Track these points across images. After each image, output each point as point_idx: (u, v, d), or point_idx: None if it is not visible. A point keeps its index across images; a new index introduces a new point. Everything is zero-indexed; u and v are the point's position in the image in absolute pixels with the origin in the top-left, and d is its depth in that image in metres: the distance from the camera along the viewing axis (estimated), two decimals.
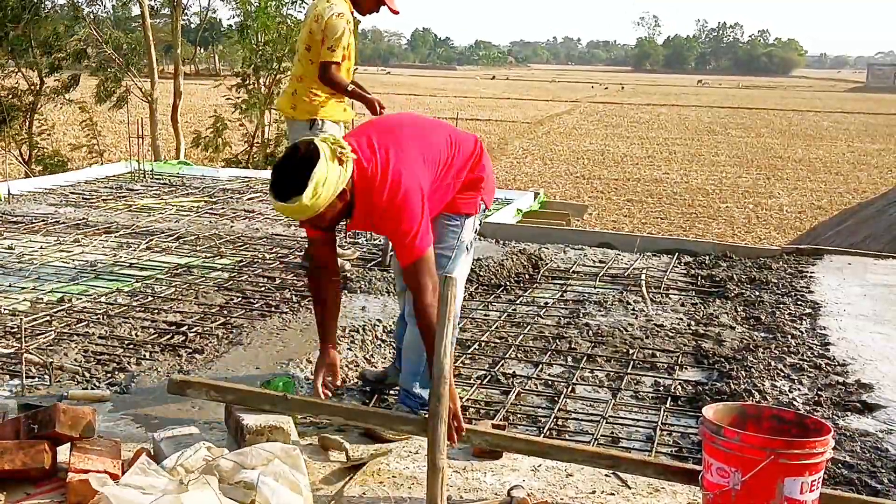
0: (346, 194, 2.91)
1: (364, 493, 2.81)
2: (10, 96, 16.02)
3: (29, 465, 2.66)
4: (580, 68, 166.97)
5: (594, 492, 2.89)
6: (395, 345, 3.85)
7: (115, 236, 6.49)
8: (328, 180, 2.80)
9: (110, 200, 7.92)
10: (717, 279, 5.74)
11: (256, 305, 4.87)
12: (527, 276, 5.80)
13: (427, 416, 2.71)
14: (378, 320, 4.60)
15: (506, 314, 4.97)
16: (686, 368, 4.21)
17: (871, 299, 5.41)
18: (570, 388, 3.90)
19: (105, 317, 4.57)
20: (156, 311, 4.72)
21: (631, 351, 4.40)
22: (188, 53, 48.31)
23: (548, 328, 4.73)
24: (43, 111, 16.92)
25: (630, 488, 2.92)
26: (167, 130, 19.22)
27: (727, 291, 5.44)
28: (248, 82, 16.45)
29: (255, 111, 16.13)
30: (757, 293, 5.43)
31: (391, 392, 3.79)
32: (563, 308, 5.15)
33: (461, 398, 3.71)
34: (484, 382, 3.95)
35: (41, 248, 6.06)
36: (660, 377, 4.07)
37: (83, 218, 7.06)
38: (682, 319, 4.94)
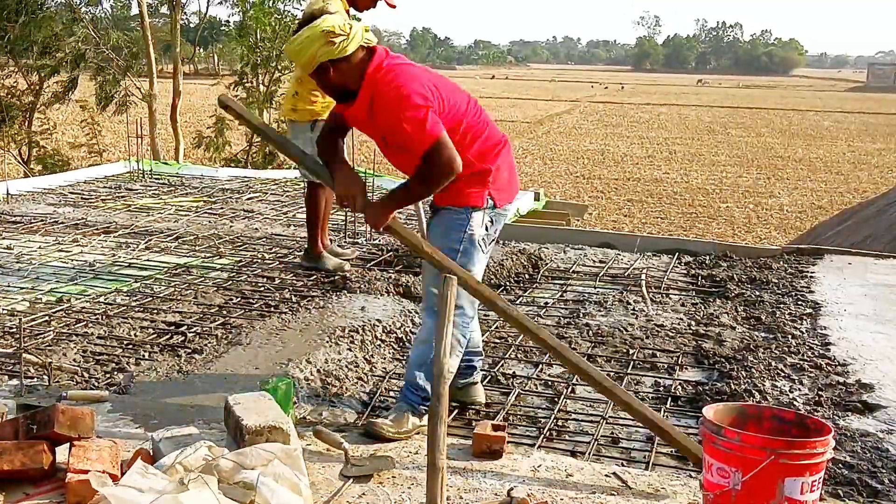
0: (342, 72, 3.20)
1: (364, 493, 2.81)
2: (9, 96, 16.00)
3: (28, 465, 2.66)
4: (580, 68, 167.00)
5: (594, 492, 2.89)
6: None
7: (114, 236, 6.48)
8: (305, 40, 3.19)
9: (109, 200, 7.91)
10: (718, 279, 5.73)
11: (256, 305, 4.86)
12: (527, 276, 5.80)
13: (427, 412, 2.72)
14: (378, 320, 4.59)
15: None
16: (686, 368, 4.20)
17: (871, 299, 5.40)
18: (570, 389, 3.89)
19: (104, 317, 4.56)
20: (155, 311, 4.72)
21: (631, 351, 4.39)
22: (187, 53, 48.31)
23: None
24: (43, 111, 16.91)
25: (630, 488, 2.92)
26: (166, 130, 19.21)
27: (727, 291, 5.44)
28: (245, 80, 16.43)
29: (254, 110, 16.12)
30: (757, 293, 5.42)
31: (391, 393, 3.79)
32: (563, 308, 5.15)
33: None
34: (484, 383, 3.94)
35: (40, 248, 6.06)
36: (660, 377, 4.06)
37: (82, 218, 7.05)
38: (682, 319, 4.93)
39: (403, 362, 4.10)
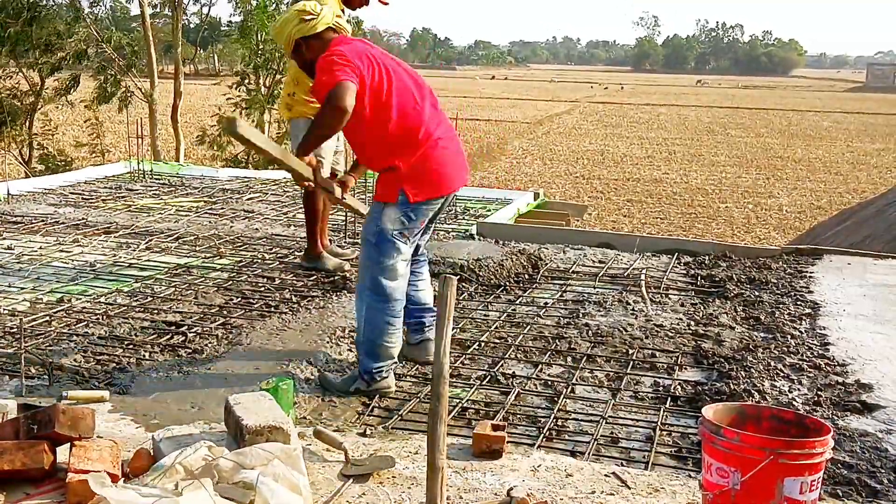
0: (313, 50, 3.70)
1: (363, 493, 2.81)
2: (11, 96, 16.01)
3: (28, 465, 2.66)
4: (580, 68, 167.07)
5: (594, 492, 2.89)
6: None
7: (115, 236, 6.49)
8: (283, 20, 3.81)
9: (110, 200, 7.92)
10: (717, 279, 5.74)
11: (256, 306, 4.87)
12: (526, 277, 5.80)
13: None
14: None
15: (505, 314, 4.96)
16: (686, 368, 4.20)
17: (870, 299, 5.40)
18: (569, 389, 3.90)
19: (104, 317, 4.57)
20: (155, 311, 4.72)
21: (630, 351, 4.40)
22: (188, 53, 48.32)
23: (547, 328, 4.73)
24: (45, 111, 16.92)
25: (630, 488, 2.92)
26: (167, 130, 19.22)
27: (727, 291, 5.44)
28: (247, 81, 16.45)
29: (256, 110, 16.13)
30: (756, 293, 5.43)
31: (391, 392, 3.80)
32: (562, 308, 5.15)
33: (461, 398, 3.72)
34: (483, 383, 3.95)
35: (40, 248, 6.06)
36: (659, 377, 4.07)
37: (83, 218, 7.06)
38: (681, 319, 4.94)
39: (403, 362, 4.11)
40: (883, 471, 3.12)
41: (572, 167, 25.10)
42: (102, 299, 4.92)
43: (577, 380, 4.00)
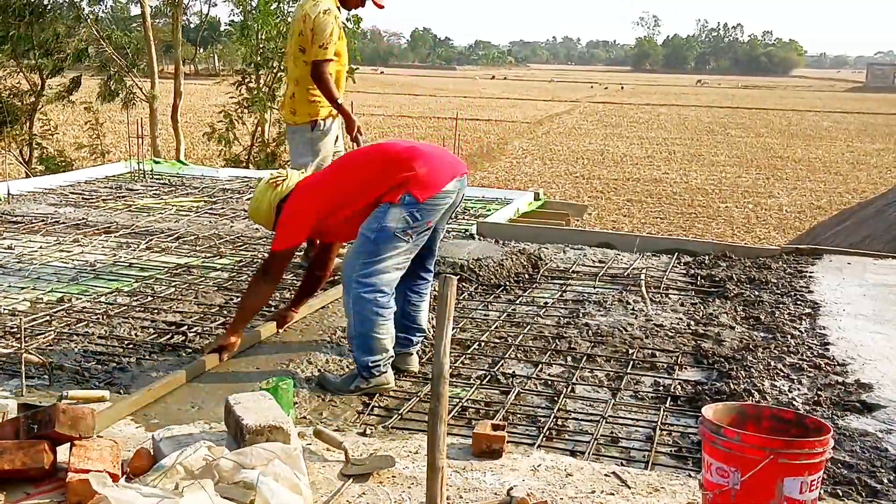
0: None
1: (363, 493, 2.82)
2: (11, 96, 16.01)
3: (29, 464, 2.66)
4: (580, 68, 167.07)
5: (594, 491, 2.89)
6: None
7: (115, 236, 6.49)
8: (259, 194, 4.02)
9: (110, 200, 7.92)
10: (717, 279, 5.74)
11: None
12: (526, 276, 5.80)
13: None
14: None
15: (505, 314, 4.97)
16: (686, 368, 4.20)
17: (870, 299, 5.41)
18: (569, 388, 3.90)
19: (105, 317, 4.57)
20: (155, 311, 4.72)
21: (631, 351, 4.40)
22: (188, 53, 48.34)
23: (547, 328, 4.73)
24: (45, 111, 16.91)
25: (630, 488, 2.92)
26: (167, 130, 19.22)
27: (727, 291, 5.44)
28: (248, 80, 16.44)
29: (257, 109, 16.13)
30: (756, 293, 5.43)
31: (391, 392, 3.80)
32: (562, 308, 5.15)
33: (461, 398, 3.72)
34: (484, 382, 3.95)
35: (41, 248, 6.06)
36: (659, 377, 4.07)
37: (83, 218, 7.06)
38: (681, 319, 4.94)
39: None
40: (883, 471, 3.12)
41: (572, 167, 25.10)
42: (102, 299, 4.92)
43: (577, 379, 4.00)
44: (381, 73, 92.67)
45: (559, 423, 3.55)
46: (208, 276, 5.49)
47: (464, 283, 5.47)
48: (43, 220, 6.93)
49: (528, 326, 4.74)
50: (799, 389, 3.88)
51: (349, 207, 3.84)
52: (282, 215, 3.91)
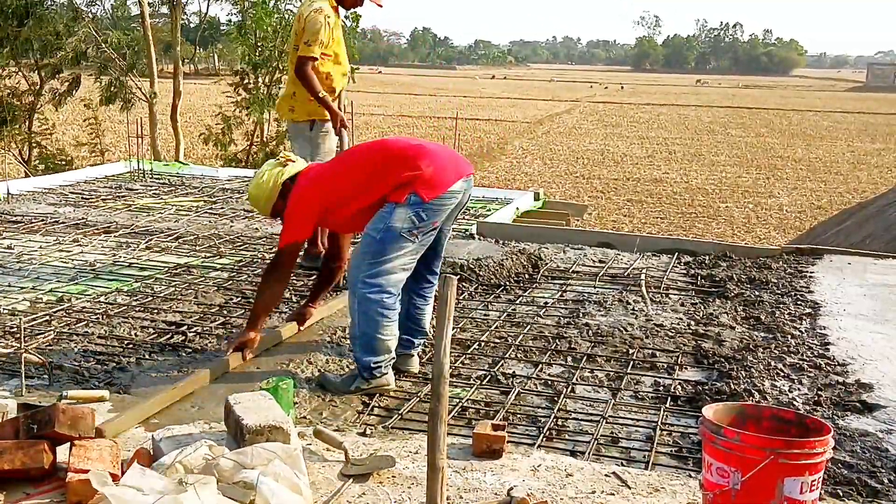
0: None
1: (363, 493, 2.81)
2: (10, 96, 16.01)
3: (28, 464, 2.66)
4: (580, 68, 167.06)
5: (594, 492, 2.89)
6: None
7: (115, 236, 6.49)
8: (259, 187, 4.02)
9: (109, 200, 7.92)
10: (717, 279, 5.74)
11: None
12: (526, 276, 5.80)
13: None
14: None
15: (505, 314, 4.96)
16: (686, 368, 4.20)
17: (870, 299, 5.41)
18: (569, 388, 3.90)
19: (104, 316, 4.57)
20: (155, 310, 4.72)
21: (631, 351, 4.39)
22: (187, 53, 48.36)
23: (547, 328, 4.73)
24: (44, 111, 16.91)
25: (630, 488, 2.92)
26: (167, 130, 19.21)
27: (727, 291, 5.44)
28: (247, 80, 16.43)
29: (256, 109, 16.12)
30: (757, 293, 5.42)
31: (391, 392, 3.79)
32: (562, 308, 5.15)
33: (461, 398, 3.72)
34: (484, 382, 3.94)
35: (40, 247, 6.06)
36: (660, 377, 4.06)
37: (82, 218, 7.06)
38: (681, 319, 4.94)
39: None
40: (883, 471, 3.12)
41: (572, 167, 25.09)
42: (102, 299, 4.92)
43: (577, 379, 4.00)
44: (379, 72, 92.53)
45: (559, 423, 3.55)
46: (208, 275, 5.49)
47: (464, 283, 5.47)
48: (42, 220, 6.93)
49: (528, 326, 4.74)
50: (799, 389, 3.87)
51: (354, 202, 3.81)
52: (286, 208, 3.89)
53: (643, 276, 5.73)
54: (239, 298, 5.01)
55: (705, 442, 2.56)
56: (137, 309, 4.75)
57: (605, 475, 3.01)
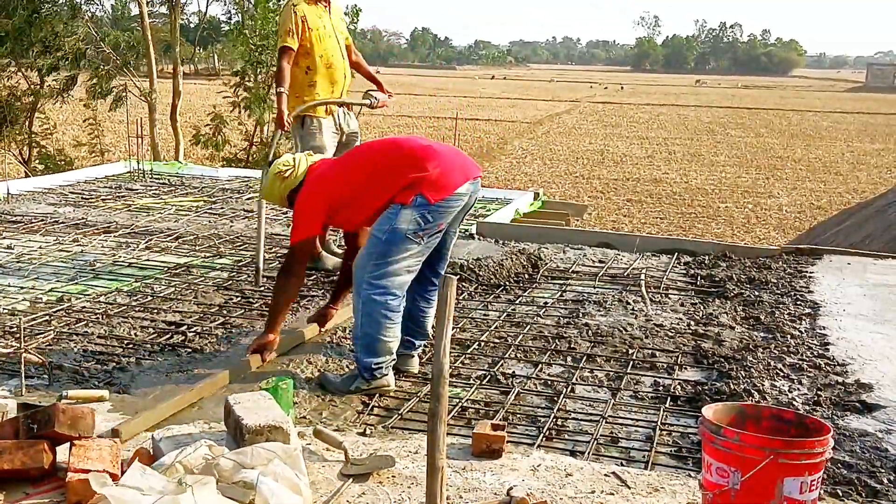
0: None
1: (363, 493, 2.82)
2: (10, 96, 16.02)
3: (28, 464, 2.66)
4: (580, 68, 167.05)
5: (593, 491, 2.89)
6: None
7: (115, 236, 6.49)
8: (269, 183, 4.10)
9: (109, 200, 7.92)
10: (717, 279, 5.74)
11: (256, 305, 4.87)
12: (526, 276, 5.80)
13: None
14: None
15: (505, 314, 4.96)
16: (686, 368, 4.20)
17: (870, 299, 5.41)
18: (569, 388, 3.90)
19: (104, 316, 4.57)
20: (155, 310, 4.72)
21: (630, 351, 4.40)
22: (187, 53, 48.34)
23: (547, 328, 4.73)
24: (44, 110, 16.92)
25: (630, 488, 2.92)
26: (166, 130, 19.21)
27: (727, 291, 5.44)
28: (246, 80, 16.43)
29: (256, 108, 16.12)
30: (756, 293, 5.43)
31: (391, 392, 3.79)
32: (562, 308, 5.15)
33: (461, 398, 3.72)
34: (483, 382, 3.94)
35: (40, 247, 6.06)
36: (659, 377, 4.06)
37: (82, 218, 7.06)
38: (681, 319, 4.94)
39: None
40: (883, 471, 3.12)
41: (572, 167, 25.09)
42: (102, 299, 4.92)
43: (577, 379, 4.00)
44: (378, 72, 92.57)
45: (559, 423, 3.55)
46: (208, 275, 5.49)
47: (464, 283, 5.47)
48: (42, 220, 6.93)
49: (528, 326, 4.74)
50: (799, 389, 3.88)
51: (361, 200, 3.81)
52: (295, 206, 3.93)
53: (643, 277, 5.74)
54: (239, 298, 5.01)
55: (705, 442, 2.56)
56: (137, 309, 4.75)
57: (605, 475, 3.01)
